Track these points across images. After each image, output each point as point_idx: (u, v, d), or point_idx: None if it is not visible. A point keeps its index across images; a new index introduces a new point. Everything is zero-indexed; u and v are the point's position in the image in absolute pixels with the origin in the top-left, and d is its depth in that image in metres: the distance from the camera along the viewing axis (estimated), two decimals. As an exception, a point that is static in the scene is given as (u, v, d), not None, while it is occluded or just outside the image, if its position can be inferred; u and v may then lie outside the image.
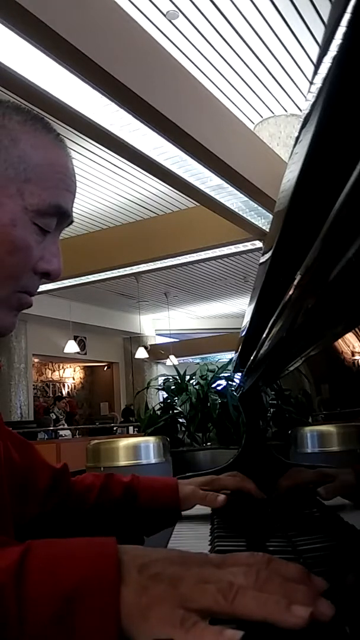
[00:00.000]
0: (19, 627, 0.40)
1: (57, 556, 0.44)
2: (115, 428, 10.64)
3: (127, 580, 0.42)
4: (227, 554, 0.47)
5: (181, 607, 0.40)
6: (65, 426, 10.59)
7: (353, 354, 0.69)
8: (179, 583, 0.42)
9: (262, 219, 5.80)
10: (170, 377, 3.65)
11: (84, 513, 0.98)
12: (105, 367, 14.19)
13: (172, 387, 3.54)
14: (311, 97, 0.29)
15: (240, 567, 0.44)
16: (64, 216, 0.71)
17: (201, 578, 0.43)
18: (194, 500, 1.01)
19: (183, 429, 3.51)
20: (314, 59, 0.30)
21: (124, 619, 0.41)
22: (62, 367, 13.89)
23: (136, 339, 13.21)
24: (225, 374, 3.50)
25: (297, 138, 0.34)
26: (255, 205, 5.36)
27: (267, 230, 5.45)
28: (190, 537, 0.91)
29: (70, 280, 7.95)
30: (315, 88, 0.28)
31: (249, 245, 6.88)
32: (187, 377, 3.55)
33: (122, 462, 2.85)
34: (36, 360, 12.36)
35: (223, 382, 3.50)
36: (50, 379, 13.56)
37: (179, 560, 0.45)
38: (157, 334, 13.77)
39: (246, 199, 5.19)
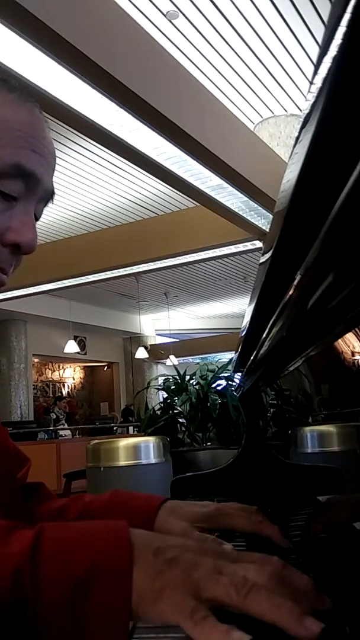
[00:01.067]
0: (33, 610, 0.40)
1: (70, 539, 0.44)
2: (115, 428, 10.65)
3: (141, 563, 0.42)
4: (243, 552, 0.47)
5: (193, 595, 0.40)
6: (65, 426, 10.60)
7: (353, 354, 0.69)
8: (194, 570, 0.42)
9: (262, 219, 5.80)
10: (170, 377, 3.66)
11: None
12: (105, 367, 14.20)
13: (172, 387, 3.55)
14: (311, 97, 0.29)
15: (255, 565, 0.43)
16: (31, 179, 0.62)
17: (216, 568, 0.42)
18: None
19: (183, 429, 3.52)
20: (314, 59, 0.30)
21: (136, 602, 0.40)
22: (62, 367, 13.90)
23: (136, 339, 13.22)
24: (225, 374, 3.51)
25: (297, 138, 0.34)
26: (255, 205, 5.36)
27: (267, 230, 5.46)
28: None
29: (70, 280, 7.96)
30: (315, 88, 0.28)
31: (249, 245, 6.89)
32: (187, 377, 3.56)
33: (122, 462, 2.85)
34: (36, 360, 12.36)
35: (223, 382, 3.51)
36: (50, 379, 13.57)
37: (195, 548, 0.45)
38: (157, 334, 13.78)
39: (246, 199, 5.19)
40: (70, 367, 14.03)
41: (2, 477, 0.73)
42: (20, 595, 0.40)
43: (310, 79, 0.36)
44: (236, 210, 5.49)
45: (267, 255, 0.52)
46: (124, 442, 2.91)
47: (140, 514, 0.71)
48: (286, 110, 5.81)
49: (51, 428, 9.90)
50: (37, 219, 0.66)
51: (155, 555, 0.43)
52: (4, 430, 0.79)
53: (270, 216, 4.91)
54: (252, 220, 5.78)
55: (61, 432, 9.74)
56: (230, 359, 3.57)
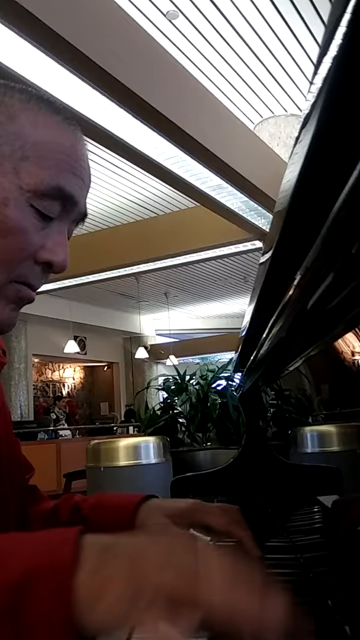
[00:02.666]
0: None
1: (8, 545, 0.41)
2: (115, 428, 10.65)
3: (85, 563, 0.38)
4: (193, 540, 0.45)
5: (139, 585, 0.38)
6: (65, 426, 10.60)
7: (353, 354, 0.69)
8: (140, 561, 0.39)
9: (262, 219, 5.80)
10: (170, 377, 3.66)
11: None
12: (105, 367, 14.19)
13: (172, 387, 3.55)
14: (311, 97, 0.29)
15: (208, 555, 0.41)
16: (69, 201, 0.63)
17: (165, 559, 0.40)
18: None
19: (183, 429, 3.52)
20: (314, 59, 0.30)
21: (80, 605, 0.37)
22: (62, 367, 13.89)
23: (136, 339, 13.21)
24: (225, 374, 3.51)
25: (297, 138, 0.34)
26: (255, 205, 5.36)
27: (267, 230, 5.46)
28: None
29: (70, 280, 7.95)
30: (315, 88, 0.28)
31: (249, 245, 6.89)
32: (187, 377, 3.56)
33: (122, 462, 2.85)
34: (36, 360, 12.36)
35: (223, 382, 3.51)
36: (50, 379, 13.56)
37: (147, 541, 0.42)
38: (157, 334, 13.78)
39: (246, 199, 5.19)
40: (70, 367, 14.03)
41: (15, 487, 0.75)
42: None
43: (310, 79, 0.36)
44: (236, 210, 5.49)
45: (267, 255, 0.52)
46: (124, 442, 2.92)
47: (122, 511, 0.75)
48: (286, 110, 5.81)
49: (51, 428, 9.91)
50: (68, 238, 0.67)
51: (100, 553, 0.40)
52: (16, 441, 0.81)
53: (270, 216, 4.91)
54: (252, 220, 5.78)
55: (61, 432, 9.74)
56: (230, 359, 3.57)
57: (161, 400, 3.83)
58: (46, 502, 0.83)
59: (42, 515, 0.81)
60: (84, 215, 0.68)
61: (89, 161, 0.69)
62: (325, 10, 4.37)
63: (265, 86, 5.36)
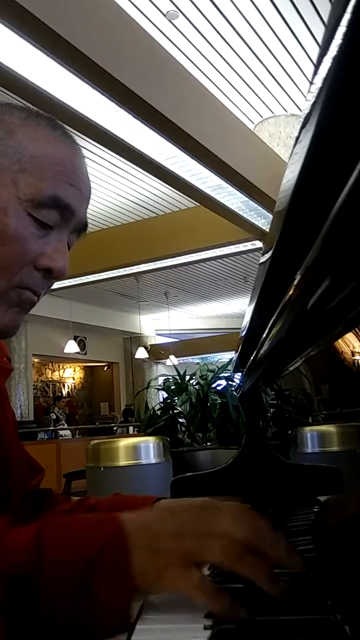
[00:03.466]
0: (42, 590, 0.45)
1: (72, 527, 0.51)
2: (115, 428, 10.65)
3: (138, 543, 0.49)
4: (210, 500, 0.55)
5: (189, 563, 0.48)
6: (65, 426, 10.60)
7: (353, 354, 0.69)
8: (182, 541, 0.49)
9: (262, 219, 5.80)
10: (170, 377, 3.66)
11: None
12: (105, 367, 14.19)
13: (172, 387, 3.55)
14: (311, 97, 0.29)
15: (230, 515, 0.52)
16: (67, 211, 0.66)
17: (200, 532, 0.50)
18: None
19: (183, 429, 3.52)
20: (314, 59, 0.30)
21: (139, 578, 0.47)
22: (62, 367, 13.89)
23: (136, 339, 13.21)
24: (225, 374, 3.51)
25: (297, 138, 0.34)
26: (255, 205, 5.36)
27: (267, 230, 5.46)
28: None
29: (70, 280, 7.95)
30: (315, 88, 0.28)
31: (249, 245, 6.89)
32: (187, 377, 3.56)
33: (122, 462, 2.85)
34: (36, 360, 12.36)
35: (223, 382, 3.51)
36: (50, 379, 13.56)
37: (172, 516, 0.52)
38: (157, 334, 13.78)
39: (246, 199, 5.20)
40: (70, 367, 14.03)
41: (20, 489, 0.76)
42: (29, 573, 0.45)
43: (310, 79, 0.36)
44: (236, 210, 5.49)
45: (267, 255, 0.52)
46: (124, 442, 2.91)
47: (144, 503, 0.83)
48: (286, 110, 5.81)
49: (51, 428, 9.90)
50: (68, 248, 0.70)
51: (144, 532, 0.50)
52: (21, 444, 0.82)
53: (270, 216, 4.91)
54: (252, 220, 5.78)
55: (61, 432, 9.74)
56: (230, 359, 3.57)
57: (161, 400, 3.83)
58: (61, 506, 0.85)
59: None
60: (84, 226, 0.71)
61: (91, 164, 0.71)
62: (325, 10, 4.37)
63: (265, 86, 5.36)
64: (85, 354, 12.71)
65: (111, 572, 0.47)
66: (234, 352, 1.22)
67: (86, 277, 7.94)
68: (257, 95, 5.50)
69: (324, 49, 0.26)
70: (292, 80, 5.30)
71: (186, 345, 13.65)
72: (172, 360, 10.71)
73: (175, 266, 8.04)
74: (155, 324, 13.64)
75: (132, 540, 0.49)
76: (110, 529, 0.50)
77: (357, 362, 0.69)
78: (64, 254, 0.68)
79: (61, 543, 0.48)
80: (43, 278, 0.67)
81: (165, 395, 3.61)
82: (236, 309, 12.76)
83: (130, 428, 10.34)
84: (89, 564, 0.47)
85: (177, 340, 13.73)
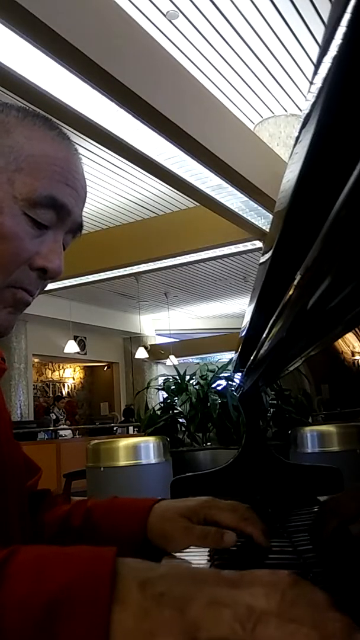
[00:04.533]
0: None
1: (45, 558, 0.40)
2: (115, 428, 10.65)
3: (126, 599, 0.36)
4: (245, 570, 0.39)
5: (191, 637, 0.34)
6: (66, 426, 10.60)
7: (353, 354, 0.69)
8: (188, 606, 0.35)
9: (262, 219, 5.80)
10: (170, 377, 3.66)
11: (48, 542, 0.80)
12: (105, 367, 14.20)
13: (172, 387, 3.55)
14: (311, 97, 0.29)
15: (261, 587, 0.36)
16: (63, 210, 0.66)
17: (214, 599, 0.36)
18: (185, 541, 0.70)
19: (183, 429, 3.52)
20: (314, 59, 0.30)
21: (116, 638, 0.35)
22: (62, 367, 13.89)
23: (136, 339, 13.21)
24: (225, 374, 3.51)
25: (297, 138, 0.34)
26: (255, 205, 5.36)
27: (267, 230, 5.46)
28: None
29: (70, 280, 7.96)
30: (315, 88, 0.28)
31: (249, 245, 6.89)
32: (187, 377, 3.56)
33: (122, 462, 2.85)
34: (36, 360, 12.36)
35: (223, 382, 3.51)
36: (50, 379, 13.56)
37: (188, 577, 0.38)
38: (157, 334, 13.78)
39: (246, 199, 5.20)
40: (70, 367, 14.03)
41: (16, 490, 0.75)
42: None
43: (310, 79, 0.36)
44: (236, 210, 5.49)
45: (267, 255, 0.52)
46: (124, 442, 2.91)
47: (134, 516, 0.75)
48: (286, 110, 5.81)
49: (51, 428, 9.91)
50: (64, 248, 0.70)
51: (142, 589, 0.37)
52: (17, 443, 0.82)
53: (270, 216, 4.91)
54: (252, 220, 5.78)
55: (61, 432, 9.75)
56: (230, 359, 3.57)
57: (161, 400, 3.83)
58: (59, 508, 0.84)
59: (58, 520, 0.81)
60: (79, 226, 0.72)
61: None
62: (325, 10, 4.37)
63: (265, 86, 5.36)
64: (85, 354, 12.71)
65: (79, 622, 0.35)
66: (234, 352, 1.22)
67: (86, 277, 7.94)
68: (257, 95, 5.50)
69: (324, 49, 0.26)
70: (292, 80, 5.30)
71: (186, 345, 13.65)
72: (172, 360, 10.71)
73: (175, 266, 8.04)
74: (155, 324, 13.65)
75: (119, 588, 0.36)
76: (91, 563, 0.39)
77: (357, 362, 0.69)
78: (60, 254, 0.68)
79: (28, 575, 0.38)
80: (38, 278, 0.68)
81: (165, 395, 3.61)
82: (236, 309, 12.77)
83: (130, 428, 10.34)
84: (50, 604, 0.35)
85: (177, 340, 13.73)
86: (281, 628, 0.33)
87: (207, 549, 0.73)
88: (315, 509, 0.94)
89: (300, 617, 0.34)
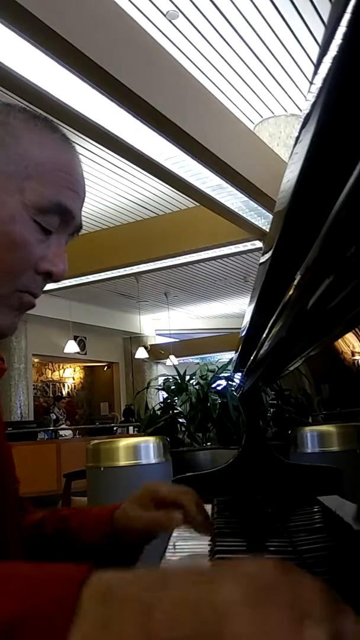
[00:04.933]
0: None
1: (6, 578, 0.36)
2: (115, 428, 10.64)
3: (85, 610, 0.33)
4: (227, 561, 0.35)
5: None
6: (66, 426, 10.60)
7: (353, 354, 0.69)
8: (152, 609, 0.32)
9: (262, 219, 5.80)
10: (170, 377, 3.66)
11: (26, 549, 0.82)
12: (105, 367, 14.20)
13: (172, 387, 3.55)
14: (311, 97, 0.29)
15: (231, 578, 0.32)
16: (68, 216, 0.69)
17: (179, 599, 0.32)
18: (142, 525, 0.78)
19: (183, 429, 3.52)
20: (314, 59, 0.30)
21: None
22: (62, 367, 13.89)
23: (136, 339, 13.21)
24: (225, 374, 3.51)
25: (297, 138, 0.34)
26: (255, 205, 5.36)
27: (267, 230, 5.46)
28: (190, 537, 0.91)
29: (70, 280, 7.95)
30: (315, 88, 0.28)
31: (249, 245, 6.89)
32: (187, 377, 3.56)
33: (122, 462, 2.85)
34: (36, 360, 12.36)
35: (223, 382, 3.50)
36: (50, 379, 13.56)
37: (158, 580, 0.34)
38: (157, 334, 13.78)
39: (246, 199, 5.19)
40: (70, 367, 14.03)
41: (12, 492, 0.76)
42: None
43: (310, 79, 0.36)
44: (236, 210, 5.49)
45: (267, 255, 0.52)
46: (124, 442, 2.91)
47: (101, 516, 0.83)
48: (286, 110, 5.81)
49: (51, 428, 9.90)
50: None
51: (104, 597, 0.34)
52: (9, 445, 0.82)
53: (270, 216, 4.91)
54: (252, 220, 5.78)
55: (61, 432, 9.74)
56: (230, 359, 3.57)
57: (161, 400, 3.83)
58: (33, 514, 0.87)
59: (31, 526, 0.84)
60: (79, 227, 0.73)
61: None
62: (325, 10, 4.37)
63: (265, 86, 5.36)
64: (85, 354, 12.71)
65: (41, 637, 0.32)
66: (234, 352, 1.22)
67: (86, 277, 7.94)
68: (257, 95, 5.50)
69: (324, 49, 0.26)
70: (292, 80, 5.30)
71: (186, 345, 13.65)
72: (172, 360, 10.70)
73: (175, 266, 8.04)
74: (155, 324, 13.65)
75: (84, 603, 0.33)
76: (56, 584, 0.35)
77: (357, 362, 0.69)
78: (64, 258, 0.70)
79: None
80: (42, 281, 0.70)
81: (165, 395, 3.61)
82: (236, 309, 12.77)
83: (130, 428, 10.34)
84: (9, 624, 0.33)
85: (177, 340, 13.73)
86: (249, 617, 0.30)
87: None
88: (316, 509, 0.94)
89: (273, 600, 0.30)
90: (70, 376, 14.12)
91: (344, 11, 0.23)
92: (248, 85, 5.33)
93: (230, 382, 3.42)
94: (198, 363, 4.02)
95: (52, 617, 0.33)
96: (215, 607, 0.31)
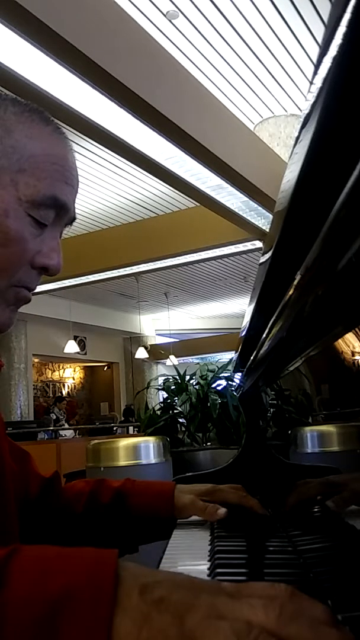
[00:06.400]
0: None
1: (48, 558, 0.39)
2: (115, 428, 10.64)
3: (125, 603, 0.36)
4: (243, 583, 0.39)
5: None
6: (66, 426, 10.60)
7: (353, 354, 0.69)
8: (187, 614, 0.35)
9: (262, 219, 5.80)
10: (170, 377, 3.66)
11: (73, 521, 0.93)
12: (105, 367, 14.19)
13: (172, 387, 3.54)
14: (311, 97, 0.29)
15: (259, 600, 0.36)
16: (62, 209, 0.68)
17: (213, 610, 0.35)
18: (192, 511, 0.94)
19: (183, 429, 3.52)
20: (314, 59, 0.30)
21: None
22: (62, 367, 13.89)
23: (136, 339, 13.21)
24: (225, 374, 3.50)
25: (297, 138, 0.34)
26: (255, 205, 5.36)
27: (267, 230, 5.46)
28: (190, 537, 0.91)
29: (70, 280, 7.95)
30: (315, 88, 0.28)
31: (249, 245, 6.89)
32: (187, 377, 3.56)
33: (122, 462, 2.85)
34: (36, 360, 12.36)
35: (223, 382, 3.50)
36: (50, 379, 13.56)
37: (187, 585, 0.38)
38: (157, 334, 13.78)
39: (246, 199, 5.19)
40: (70, 367, 14.03)
41: (11, 489, 0.76)
42: None
43: (310, 79, 0.36)
44: (236, 210, 5.49)
45: (267, 255, 0.52)
46: (124, 442, 2.91)
47: (162, 496, 0.95)
48: (286, 110, 5.80)
49: (51, 428, 9.90)
50: None
51: (142, 593, 0.36)
52: (7, 442, 0.83)
53: (270, 216, 4.91)
54: (252, 220, 5.78)
55: (61, 432, 9.74)
56: (230, 359, 3.57)
57: (161, 400, 3.83)
58: (75, 486, 0.98)
59: (81, 498, 0.94)
60: (73, 219, 0.73)
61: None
62: (325, 10, 4.37)
63: (265, 86, 5.36)
64: (85, 354, 12.71)
65: (81, 624, 0.35)
66: (234, 352, 1.23)
67: (86, 277, 7.94)
68: (257, 95, 5.50)
69: (324, 49, 0.26)
70: (292, 80, 5.30)
71: (186, 345, 13.65)
72: (172, 360, 10.70)
73: (175, 266, 8.03)
74: (155, 324, 13.64)
75: (120, 593, 0.36)
76: (93, 565, 0.38)
77: (357, 362, 0.69)
78: (59, 251, 0.69)
79: (31, 575, 0.37)
80: (38, 275, 0.69)
81: (165, 395, 3.61)
82: (236, 309, 12.76)
83: (130, 428, 10.33)
84: (52, 606, 0.35)
85: (177, 340, 13.73)
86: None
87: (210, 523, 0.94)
88: (316, 509, 0.94)
89: (299, 633, 0.33)
90: (70, 376, 14.12)
91: (344, 11, 0.23)
92: (248, 85, 5.33)
93: (230, 382, 3.42)
94: (198, 363, 4.02)
95: (94, 592, 0.36)
96: (250, 626, 0.34)
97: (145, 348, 12.14)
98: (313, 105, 0.29)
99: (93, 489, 0.95)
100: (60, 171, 0.67)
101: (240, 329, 1.04)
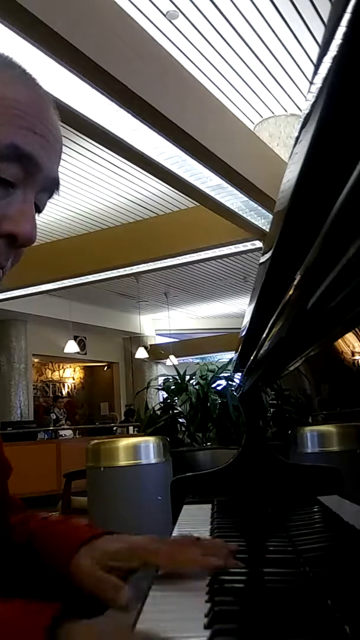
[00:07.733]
0: None
1: None
2: (115, 428, 10.65)
3: None
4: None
5: None
6: (66, 426, 10.60)
7: (353, 354, 0.69)
8: None
9: (262, 219, 5.80)
10: (170, 377, 3.66)
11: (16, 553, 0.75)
12: (105, 367, 14.20)
13: (172, 387, 3.55)
14: (311, 97, 0.29)
15: None
16: (30, 163, 0.55)
17: None
18: (89, 584, 0.64)
19: (183, 429, 3.52)
20: (314, 59, 0.30)
21: None
22: (62, 367, 13.89)
23: (136, 339, 13.21)
24: (225, 374, 3.51)
25: (297, 138, 0.34)
26: (255, 205, 5.36)
27: (267, 230, 5.46)
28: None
29: (70, 280, 7.96)
30: (315, 88, 0.28)
31: (249, 245, 6.89)
32: (187, 377, 3.56)
33: (122, 462, 2.85)
34: (36, 360, 12.36)
35: (223, 382, 3.51)
36: (50, 379, 13.56)
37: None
38: (157, 334, 13.78)
39: (246, 199, 5.19)
40: (70, 367, 14.03)
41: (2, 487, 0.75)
42: None
43: (310, 79, 0.36)
44: (236, 210, 5.48)
45: (267, 255, 0.52)
46: (124, 442, 2.91)
47: (61, 552, 0.68)
48: (286, 110, 5.80)
49: (51, 428, 9.91)
50: (39, 210, 0.60)
51: None
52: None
53: (270, 216, 4.91)
54: (252, 220, 5.78)
55: (61, 432, 9.75)
56: (230, 359, 3.57)
57: (161, 400, 3.83)
58: (16, 516, 0.79)
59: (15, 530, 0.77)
60: (55, 183, 0.60)
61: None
62: (325, 10, 4.37)
63: (265, 86, 5.36)
64: (85, 354, 12.71)
65: None
66: (234, 352, 1.22)
67: (86, 277, 7.94)
68: (257, 95, 5.50)
69: (324, 49, 0.26)
70: (292, 80, 5.30)
71: (186, 345, 13.65)
72: (172, 360, 10.71)
73: (175, 266, 8.03)
74: (155, 324, 13.65)
75: None
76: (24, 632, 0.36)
77: (357, 362, 0.69)
78: (31, 217, 0.56)
79: None
80: (7, 246, 0.56)
81: (165, 395, 3.61)
82: (236, 309, 12.77)
83: (131, 428, 10.34)
84: None
85: (177, 340, 13.73)
86: None
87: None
88: (316, 509, 0.94)
89: None
90: (70, 376, 14.12)
91: (344, 11, 0.23)
92: (248, 85, 5.33)
93: (230, 382, 3.42)
94: (198, 363, 4.02)
95: None
96: None
97: (145, 348, 12.15)
98: (313, 105, 0.29)
99: (14, 524, 0.76)
100: (22, 117, 0.54)
101: (240, 329, 1.04)
